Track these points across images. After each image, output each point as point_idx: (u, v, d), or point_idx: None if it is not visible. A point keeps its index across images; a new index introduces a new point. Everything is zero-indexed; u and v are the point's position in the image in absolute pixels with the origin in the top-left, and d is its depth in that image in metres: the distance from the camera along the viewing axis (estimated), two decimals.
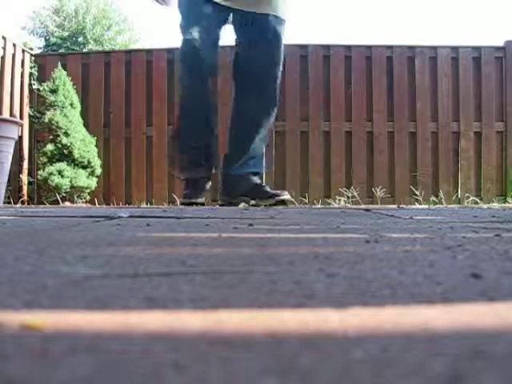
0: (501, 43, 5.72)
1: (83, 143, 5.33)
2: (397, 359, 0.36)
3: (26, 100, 5.73)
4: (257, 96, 3.56)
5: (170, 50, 5.71)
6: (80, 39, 17.38)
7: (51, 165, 5.22)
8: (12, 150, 4.62)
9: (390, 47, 5.71)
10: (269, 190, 3.62)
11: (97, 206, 4.91)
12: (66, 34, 17.60)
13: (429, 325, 0.45)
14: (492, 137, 5.66)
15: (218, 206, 3.55)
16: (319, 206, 5.09)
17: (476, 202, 5.34)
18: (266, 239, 1.14)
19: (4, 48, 5.33)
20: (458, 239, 1.12)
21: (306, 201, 5.45)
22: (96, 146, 5.48)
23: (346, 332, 0.42)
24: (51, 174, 5.14)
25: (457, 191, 5.62)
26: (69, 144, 5.24)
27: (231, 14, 3.55)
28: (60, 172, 5.16)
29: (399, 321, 0.47)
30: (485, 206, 4.42)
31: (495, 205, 4.86)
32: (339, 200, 5.34)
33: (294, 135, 5.63)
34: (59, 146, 5.25)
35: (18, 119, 5.24)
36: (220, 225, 1.57)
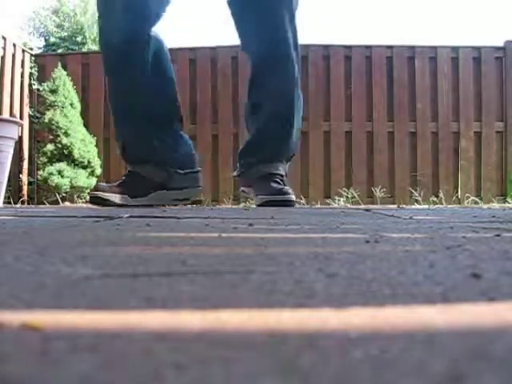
0: (501, 43, 5.72)
1: (83, 143, 5.34)
2: (397, 359, 0.36)
3: (26, 100, 5.73)
4: None
5: (169, 50, 5.70)
6: (79, 39, 17.35)
7: (51, 165, 5.22)
8: (12, 150, 4.62)
9: (390, 47, 5.71)
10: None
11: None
12: (66, 33, 17.58)
13: (429, 325, 0.45)
14: (492, 137, 5.66)
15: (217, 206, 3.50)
16: (319, 205, 5.09)
17: (476, 202, 5.34)
18: (266, 239, 1.14)
19: (4, 48, 5.33)
20: (458, 239, 1.12)
21: (306, 201, 5.44)
22: (96, 146, 5.48)
23: (346, 332, 0.42)
24: (51, 174, 5.14)
25: (457, 191, 5.62)
26: (69, 144, 5.24)
27: None
28: (60, 172, 5.16)
29: (399, 321, 0.47)
30: (485, 206, 4.42)
31: (495, 205, 4.86)
32: (339, 200, 5.34)
33: None
34: (59, 146, 5.26)
35: (17, 119, 5.25)
36: (220, 225, 1.57)
